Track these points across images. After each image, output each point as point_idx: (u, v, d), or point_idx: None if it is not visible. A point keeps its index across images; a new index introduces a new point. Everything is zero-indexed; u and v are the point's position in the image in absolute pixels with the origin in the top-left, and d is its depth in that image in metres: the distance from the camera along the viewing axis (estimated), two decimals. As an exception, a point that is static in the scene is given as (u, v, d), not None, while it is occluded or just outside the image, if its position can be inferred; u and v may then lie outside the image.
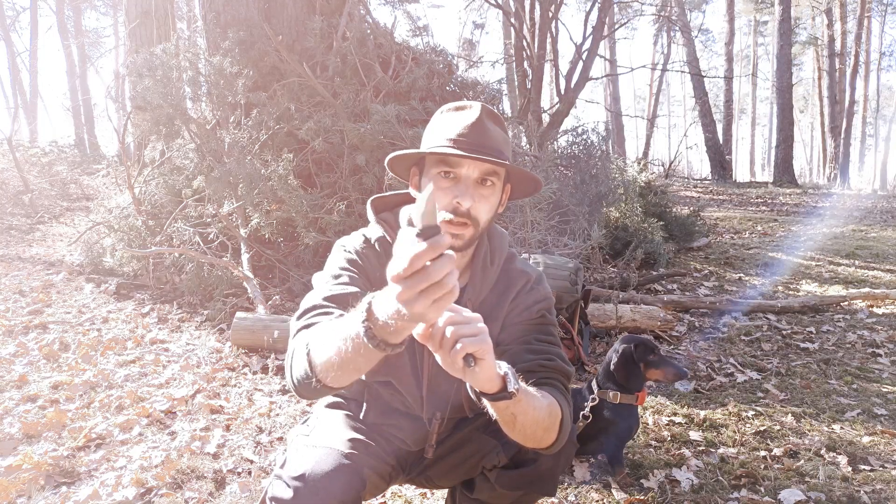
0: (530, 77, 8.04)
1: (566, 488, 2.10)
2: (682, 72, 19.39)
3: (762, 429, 2.54)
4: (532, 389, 1.03)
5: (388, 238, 1.29)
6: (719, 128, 18.48)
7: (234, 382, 3.02)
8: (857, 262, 6.04)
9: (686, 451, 2.34)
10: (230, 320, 3.60)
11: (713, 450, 2.37)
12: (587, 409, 2.11)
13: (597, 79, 12.60)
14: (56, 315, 3.94)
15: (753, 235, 7.97)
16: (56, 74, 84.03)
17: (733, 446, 2.41)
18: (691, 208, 7.62)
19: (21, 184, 7.92)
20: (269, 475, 2.13)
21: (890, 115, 37.54)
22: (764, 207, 11.08)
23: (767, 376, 3.19)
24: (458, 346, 0.83)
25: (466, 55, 17.82)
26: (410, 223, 0.78)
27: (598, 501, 2.03)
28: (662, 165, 15.23)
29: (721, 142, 17.92)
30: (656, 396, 2.89)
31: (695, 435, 2.48)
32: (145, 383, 2.94)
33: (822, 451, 2.34)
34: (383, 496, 2.00)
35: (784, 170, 16.55)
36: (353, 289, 1.17)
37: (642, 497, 2.03)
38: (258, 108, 4.51)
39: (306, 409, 2.68)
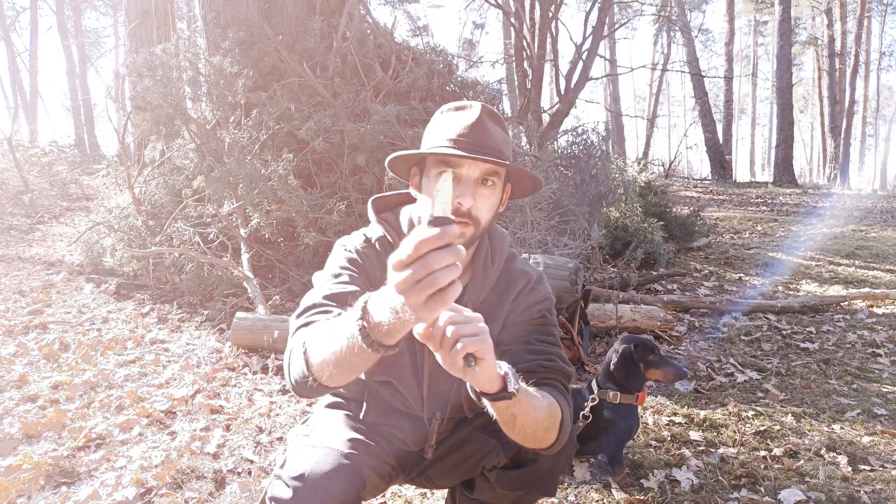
0: (530, 77, 8.04)
1: (566, 488, 2.10)
2: (682, 72, 19.39)
3: (762, 429, 2.54)
4: (532, 390, 1.03)
5: (388, 238, 1.29)
6: (719, 128, 18.48)
7: (234, 382, 3.02)
8: (857, 262, 6.04)
9: (686, 451, 2.34)
10: (230, 320, 3.60)
11: (713, 450, 2.37)
12: (587, 409, 2.11)
13: (597, 79, 12.60)
14: (56, 315, 3.94)
15: (753, 235, 7.97)
16: (56, 74, 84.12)
17: (733, 446, 2.41)
18: (691, 208, 7.62)
19: (21, 184, 7.92)
20: (269, 475, 2.13)
21: (890, 115, 37.56)
22: (764, 207, 11.08)
23: (767, 376, 3.19)
24: (459, 345, 0.82)
25: (466, 55, 17.82)
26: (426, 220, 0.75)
27: (598, 501, 2.03)
28: (662, 165, 15.24)
29: (721, 142, 17.92)
30: (656, 396, 2.89)
31: (695, 435, 2.48)
32: (145, 383, 2.93)
33: (822, 451, 2.34)
34: (383, 496, 1.99)
35: (784, 170, 16.55)
36: (353, 288, 1.17)
37: (642, 497, 2.03)
38: (258, 108, 4.51)
39: (306, 409, 2.68)
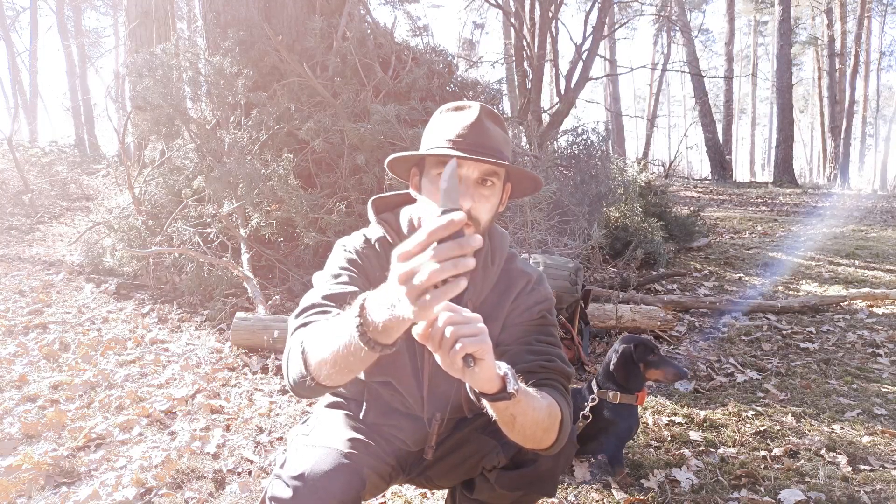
0: (530, 77, 8.04)
1: (566, 488, 2.10)
2: (682, 72, 19.39)
3: (762, 429, 2.54)
4: (532, 390, 1.03)
5: (388, 238, 1.29)
6: (719, 128, 18.48)
7: (234, 382, 3.02)
8: (857, 262, 6.04)
9: (686, 451, 2.34)
10: (230, 320, 3.60)
11: (713, 450, 2.37)
12: (587, 410, 2.11)
13: (597, 79, 12.60)
14: (56, 315, 3.94)
15: (753, 235, 7.97)
16: (56, 74, 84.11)
17: (733, 446, 2.41)
18: (691, 208, 7.62)
19: (21, 184, 7.92)
20: (269, 475, 2.13)
21: (890, 115, 37.54)
22: (764, 207, 11.08)
23: (767, 376, 3.19)
24: (458, 346, 0.82)
25: (466, 55, 17.82)
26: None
27: (598, 501, 2.03)
28: (662, 165, 15.24)
29: (721, 142, 17.92)
30: (656, 396, 2.89)
31: (695, 435, 2.48)
32: (145, 383, 2.93)
33: (822, 451, 2.34)
34: (383, 496, 2.00)
35: (784, 170, 16.55)
36: (353, 288, 1.17)
37: (642, 497, 2.03)
38: (258, 108, 4.51)
39: (306, 409, 2.68)
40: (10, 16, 18.46)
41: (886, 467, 2.23)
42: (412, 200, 1.32)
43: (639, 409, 2.24)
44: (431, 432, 1.32)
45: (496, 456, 1.26)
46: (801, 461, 2.27)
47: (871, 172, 32.45)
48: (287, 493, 1.09)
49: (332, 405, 1.37)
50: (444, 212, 0.72)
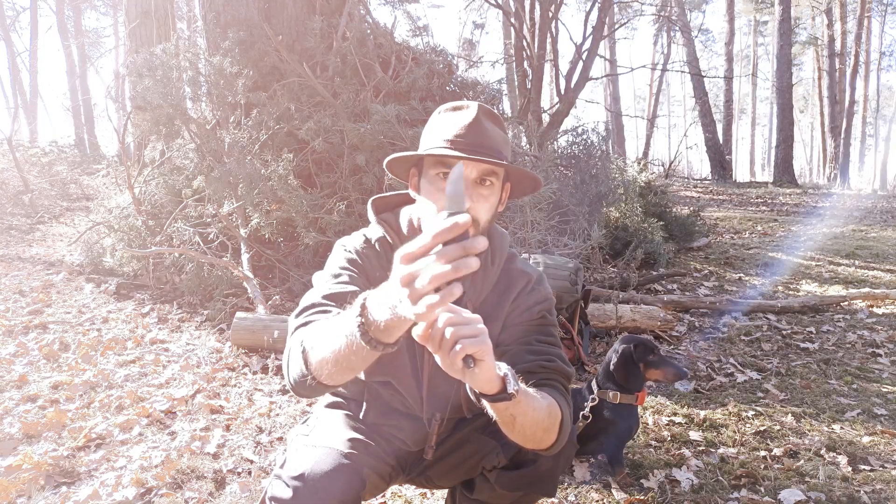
0: (530, 77, 8.04)
1: (566, 488, 2.10)
2: (682, 72, 19.39)
3: (762, 429, 2.54)
4: (532, 390, 1.03)
5: (388, 238, 1.29)
6: (719, 128, 18.48)
7: (234, 382, 3.02)
8: (857, 262, 6.04)
9: (686, 451, 2.34)
10: (230, 320, 3.60)
11: (713, 450, 2.37)
12: (587, 410, 2.11)
13: (597, 79, 12.60)
14: (56, 315, 3.94)
15: (753, 235, 7.97)
16: (56, 74, 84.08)
17: (733, 446, 2.41)
18: (691, 208, 7.62)
19: (21, 184, 7.92)
20: (269, 475, 2.13)
21: (890, 115, 37.54)
22: (764, 207, 11.08)
23: (767, 376, 3.19)
24: (458, 347, 0.82)
25: (466, 55, 17.81)
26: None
27: (598, 501, 2.03)
28: (662, 165, 15.24)
29: (721, 142, 17.92)
30: (656, 396, 2.89)
31: (695, 435, 2.48)
32: (145, 383, 2.94)
33: (822, 451, 2.34)
34: (383, 496, 2.00)
35: (784, 170, 16.55)
36: (353, 287, 1.17)
37: (642, 497, 2.03)
38: (258, 108, 4.51)
39: (306, 409, 2.68)
40: (10, 16, 18.47)
41: (886, 467, 2.23)
42: (412, 200, 1.32)
43: (639, 409, 2.24)
44: (431, 432, 1.32)
45: (496, 456, 1.26)
46: (801, 461, 2.27)
47: (871, 172, 32.47)
48: (287, 493, 1.09)
49: (332, 405, 1.37)
50: (450, 215, 0.72)
